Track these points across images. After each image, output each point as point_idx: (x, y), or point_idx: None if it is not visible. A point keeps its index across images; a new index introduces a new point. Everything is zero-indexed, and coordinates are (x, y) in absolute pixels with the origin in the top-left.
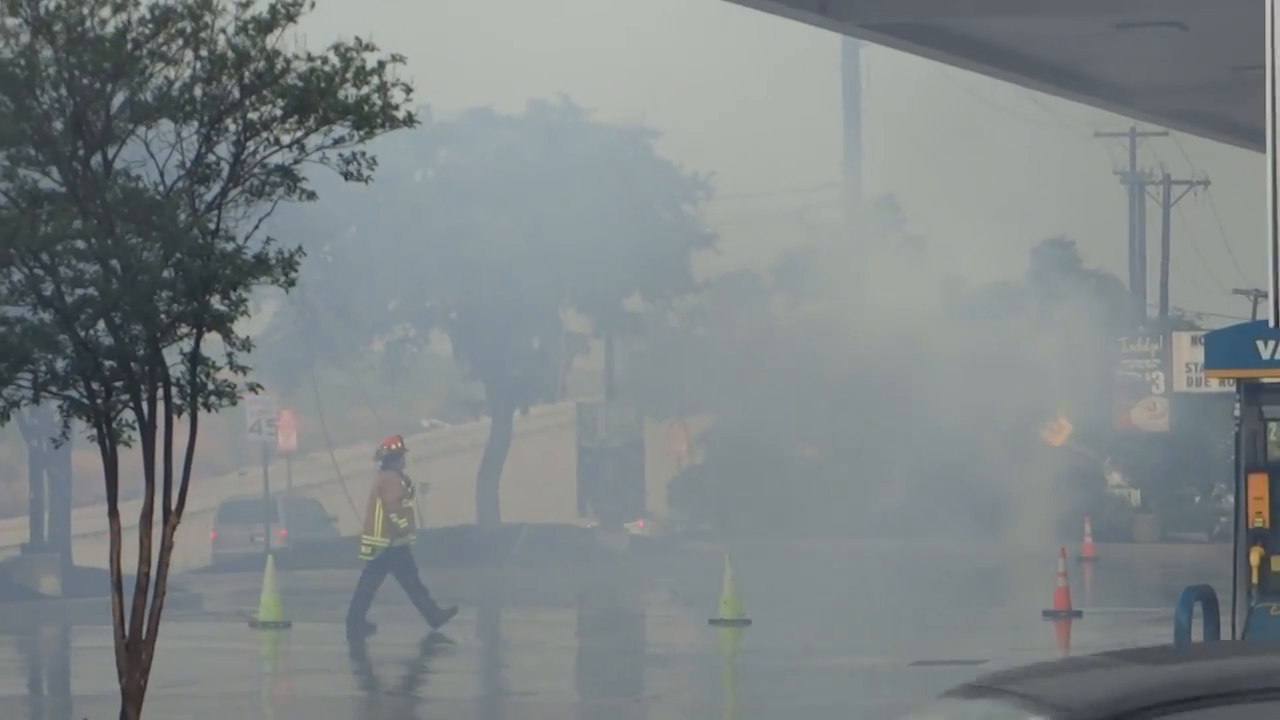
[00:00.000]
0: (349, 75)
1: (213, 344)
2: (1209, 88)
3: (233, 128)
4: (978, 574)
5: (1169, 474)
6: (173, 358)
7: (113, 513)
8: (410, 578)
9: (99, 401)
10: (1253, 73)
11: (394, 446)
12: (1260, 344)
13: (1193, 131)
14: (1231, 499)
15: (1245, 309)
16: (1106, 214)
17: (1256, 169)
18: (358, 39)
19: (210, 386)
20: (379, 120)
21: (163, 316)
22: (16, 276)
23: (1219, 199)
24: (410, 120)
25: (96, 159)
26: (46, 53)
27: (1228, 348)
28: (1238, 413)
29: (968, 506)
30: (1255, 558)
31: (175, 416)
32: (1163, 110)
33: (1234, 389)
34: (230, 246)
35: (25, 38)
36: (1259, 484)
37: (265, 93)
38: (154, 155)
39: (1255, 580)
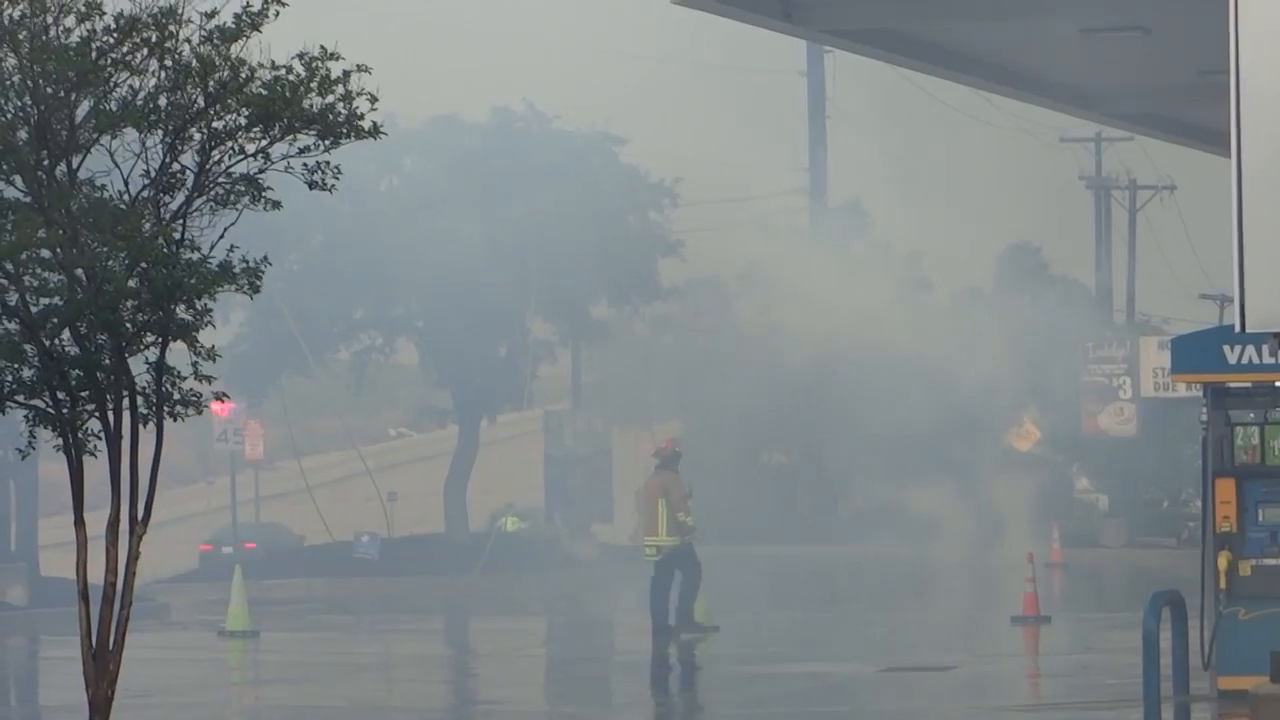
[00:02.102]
0: (314, 84)
1: (178, 353)
2: (1174, 92)
3: (197, 137)
4: (945, 579)
5: (1136, 479)
6: (138, 367)
7: (79, 523)
8: (692, 574)
9: (65, 411)
10: (1218, 77)
11: (673, 448)
12: (1227, 349)
13: (1158, 136)
14: (1199, 504)
15: (1212, 314)
16: (1073, 219)
17: (1222, 174)
18: (322, 48)
19: (176, 396)
20: (344, 129)
21: (128, 326)
22: None
23: (1185, 204)
24: (376, 131)
25: (61, 168)
26: (10, 61)
27: (1195, 353)
28: (1205, 417)
29: (935, 511)
30: (1223, 562)
31: (141, 426)
32: (1128, 115)
33: (1201, 394)
34: (195, 256)
35: None
36: (1226, 488)
37: (230, 102)
38: (119, 164)
39: (1223, 585)
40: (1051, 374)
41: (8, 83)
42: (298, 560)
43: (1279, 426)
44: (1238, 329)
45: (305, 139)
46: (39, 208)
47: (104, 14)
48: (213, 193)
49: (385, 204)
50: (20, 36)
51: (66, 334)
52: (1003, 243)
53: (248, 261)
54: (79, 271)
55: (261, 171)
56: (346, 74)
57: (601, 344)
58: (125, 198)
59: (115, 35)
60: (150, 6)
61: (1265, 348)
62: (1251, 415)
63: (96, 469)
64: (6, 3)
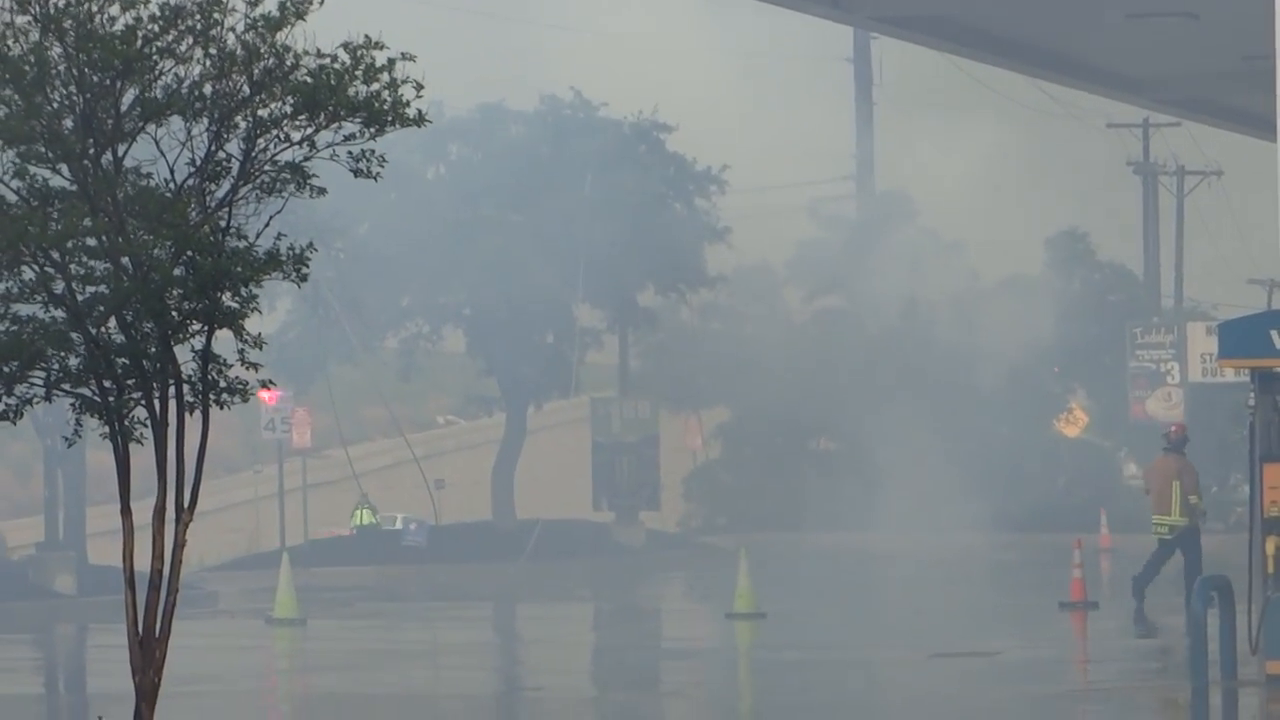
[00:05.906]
0: (359, 72)
1: (225, 341)
2: (1221, 77)
3: (243, 125)
4: (993, 566)
5: None
6: (184, 355)
7: (125, 511)
8: (1195, 557)
9: (111, 399)
10: (1264, 62)
11: (1183, 433)
12: (1274, 334)
13: (1205, 121)
14: (1247, 489)
15: (1260, 299)
16: (1120, 205)
17: (1270, 158)
18: (367, 37)
19: (222, 384)
20: (389, 118)
21: (174, 314)
22: (27, 275)
23: (1233, 189)
24: (420, 119)
25: (107, 157)
26: (56, 50)
27: (1242, 338)
28: (1252, 402)
29: (983, 498)
30: (1271, 547)
31: (187, 414)
32: (1175, 100)
33: (1249, 379)
34: (241, 244)
35: (35, 35)
36: (1274, 473)
37: (275, 89)
38: (164, 153)
39: (1271, 570)
40: (1099, 360)
41: (53, 72)
42: (345, 548)
43: None
44: None
45: (350, 126)
46: (85, 196)
47: (149, 2)
48: (258, 180)
49: (432, 191)
50: (65, 25)
51: (113, 322)
52: (1050, 229)
53: (294, 249)
54: (125, 260)
55: (307, 159)
56: (391, 62)
57: (648, 331)
58: (171, 186)
59: (160, 23)
60: None
61: None
62: None
63: (143, 457)
64: None
